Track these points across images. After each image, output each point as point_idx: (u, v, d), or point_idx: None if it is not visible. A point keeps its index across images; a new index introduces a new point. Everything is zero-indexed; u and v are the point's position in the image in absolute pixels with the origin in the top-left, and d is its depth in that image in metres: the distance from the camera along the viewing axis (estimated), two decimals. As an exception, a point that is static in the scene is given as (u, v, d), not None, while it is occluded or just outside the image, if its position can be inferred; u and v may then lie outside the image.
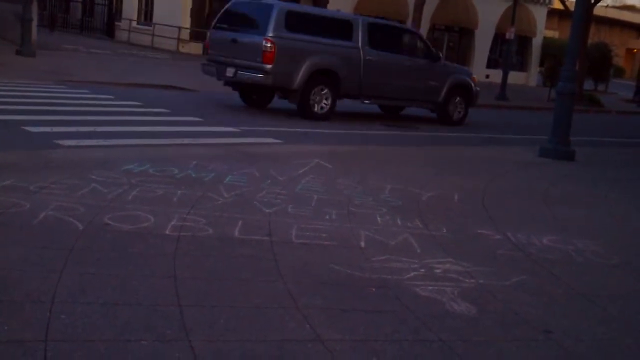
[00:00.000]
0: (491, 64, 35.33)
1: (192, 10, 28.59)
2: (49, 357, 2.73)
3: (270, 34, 11.82)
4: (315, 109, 12.36)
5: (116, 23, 31.98)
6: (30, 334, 2.89)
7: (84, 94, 12.39)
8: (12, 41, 20.16)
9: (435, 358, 3.16)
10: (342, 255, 4.42)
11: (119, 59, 21.67)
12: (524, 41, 36.63)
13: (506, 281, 4.30)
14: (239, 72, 12.17)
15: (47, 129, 8.29)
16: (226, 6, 13.23)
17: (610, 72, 40.42)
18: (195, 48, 28.31)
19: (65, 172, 5.75)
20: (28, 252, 3.81)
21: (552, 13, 44.78)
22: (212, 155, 7.35)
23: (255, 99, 13.46)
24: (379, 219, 5.44)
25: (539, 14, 37.17)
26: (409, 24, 23.08)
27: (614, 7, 70.99)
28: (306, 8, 15.03)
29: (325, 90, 12.43)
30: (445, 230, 5.31)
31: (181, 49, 28.03)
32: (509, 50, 25.60)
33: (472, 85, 14.63)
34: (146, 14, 31.33)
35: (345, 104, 13.61)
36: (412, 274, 4.20)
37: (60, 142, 7.57)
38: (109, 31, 31.97)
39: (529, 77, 37.80)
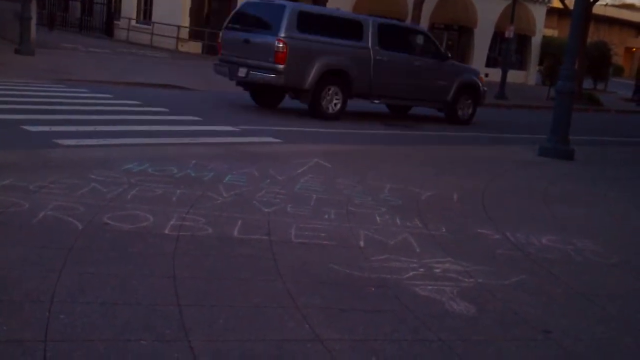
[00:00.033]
0: (490, 62, 35.30)
1: (191, 9, 28.61)
2: (48, 357, 2.73)
3: (283, 35, 11.88)
4: (327, 109, 12.41)
5: (115, 22, 31.97)
6: (29, 333, 2.89)
7: (82, 93, 12.38)
8: (11, 40, 20.14)
9: (434, 357, 3.16)
10: (341, 255, 4.42)
11: (118, 58, 21.66)
12: (523, 40, 36.64)
13: (505, 281, 4.30)
14: (251, 72, 12.23)
15: (46, 128, 8.28)
16: (238, 7, 13.27)
17: (609, 71, 40.46)
18: (194, 47, 28.36)
19: (65, 172, 5.74)
20: (27, 252, 3.80)
21: (551, 12, 44.80)
22: (212, 155, 7.34)
23: (265, 99, 13.48)
24: (378, 218, 5.43)
25: (538, 13, 37.18)
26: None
27: (613, 5, 71.06)
28: (317, 9, 15.10)
29: (337, 90, 12.48)
30: (444, 230, 5.31)
31: (180, 48, 28.05)
32: (508, 48, 25.62)
33: (480, 85, 14.72)
34: (145, 12, 31.33)
35: (354, 104, 13.63)
36: (411, 273, 4.20)
37: (59, 141, 7.56)
38: (108, 30, 31.95)
39: (528, 76, 37.82)
